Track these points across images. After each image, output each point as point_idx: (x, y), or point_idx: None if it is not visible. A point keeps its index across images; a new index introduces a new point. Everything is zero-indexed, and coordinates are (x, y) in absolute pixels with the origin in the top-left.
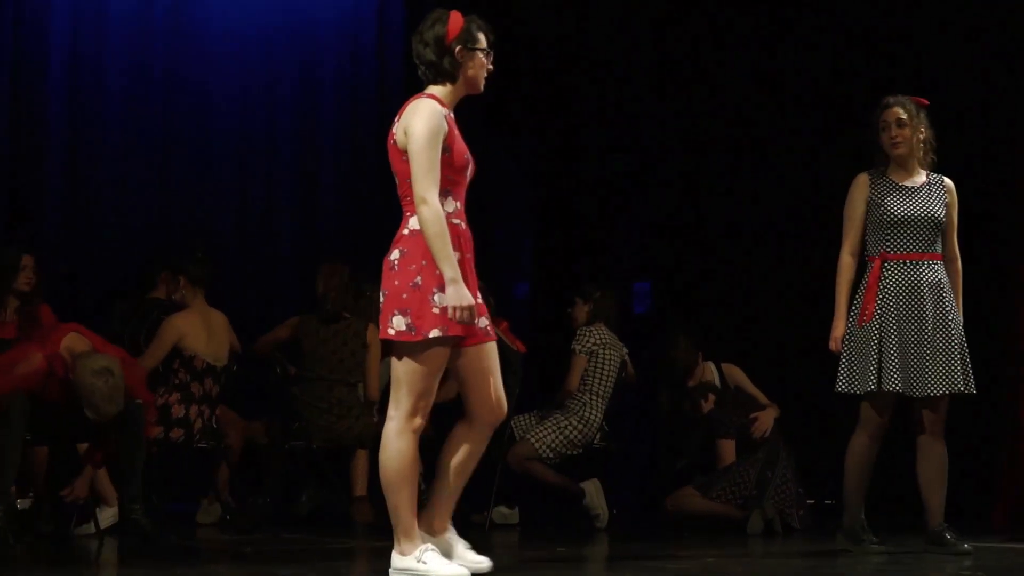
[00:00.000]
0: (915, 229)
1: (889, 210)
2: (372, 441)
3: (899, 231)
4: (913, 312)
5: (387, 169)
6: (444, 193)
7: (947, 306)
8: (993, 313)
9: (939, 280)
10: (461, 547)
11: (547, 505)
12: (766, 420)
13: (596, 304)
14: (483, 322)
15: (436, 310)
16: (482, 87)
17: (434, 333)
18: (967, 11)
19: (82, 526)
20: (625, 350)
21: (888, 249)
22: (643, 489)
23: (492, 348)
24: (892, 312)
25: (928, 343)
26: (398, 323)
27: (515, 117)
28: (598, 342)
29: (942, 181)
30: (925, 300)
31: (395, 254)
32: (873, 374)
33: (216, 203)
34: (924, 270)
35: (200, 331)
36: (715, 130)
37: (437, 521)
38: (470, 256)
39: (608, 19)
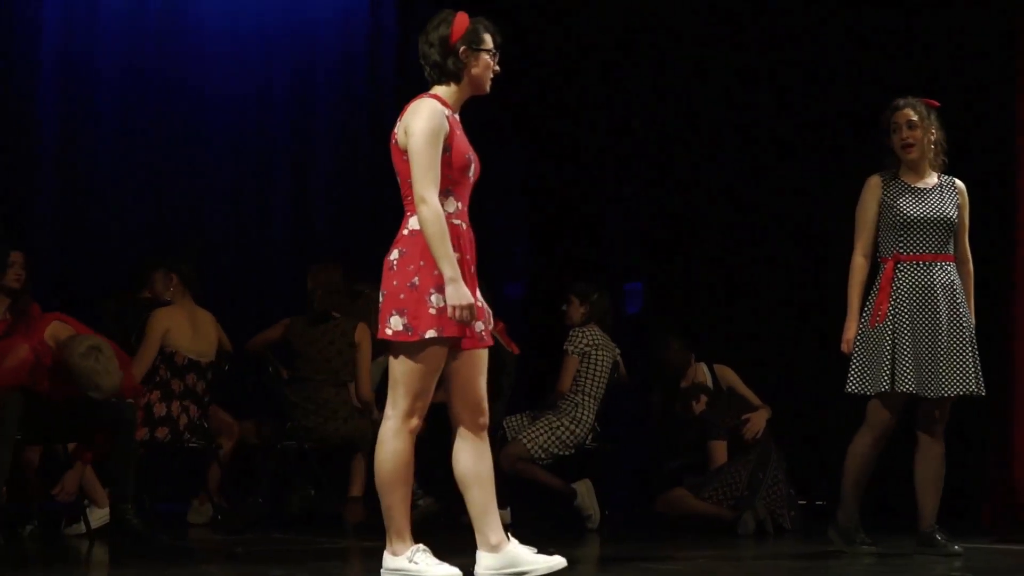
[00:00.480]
0: (928, 231)
1: (902, 212)
2: (366, 442)
3: (912, 233)
4: (926, 313)
5: (381, 169)
6: (445, 193)
7: (960, 308)
8: (981, 313)
9: (952, 281)
10: (528, 553)
11: (539, 506)
12: (758, 421)
13: (592, 305)
14: (479, 326)
15: (433, 311)
16: (488, 88)
17: (430, 334)
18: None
19: (72, 526)
20: (618, 351)
21: (901, 250)
22: (635, 490)
23: (484, 355)
24: (905, 313)
25: (942, 344)
26: (395, 323)
27: (508, 119)
28: (591, 343)
29: (953, 183)
30: (939, 301)
31: (394, 254)
32: (886, 375)
33: (209, 203)
34: (937, 271)
35: (185, 327)
36: (708, 131)
37: (493, 537)
38: (471, 257)
39: (601, 21)
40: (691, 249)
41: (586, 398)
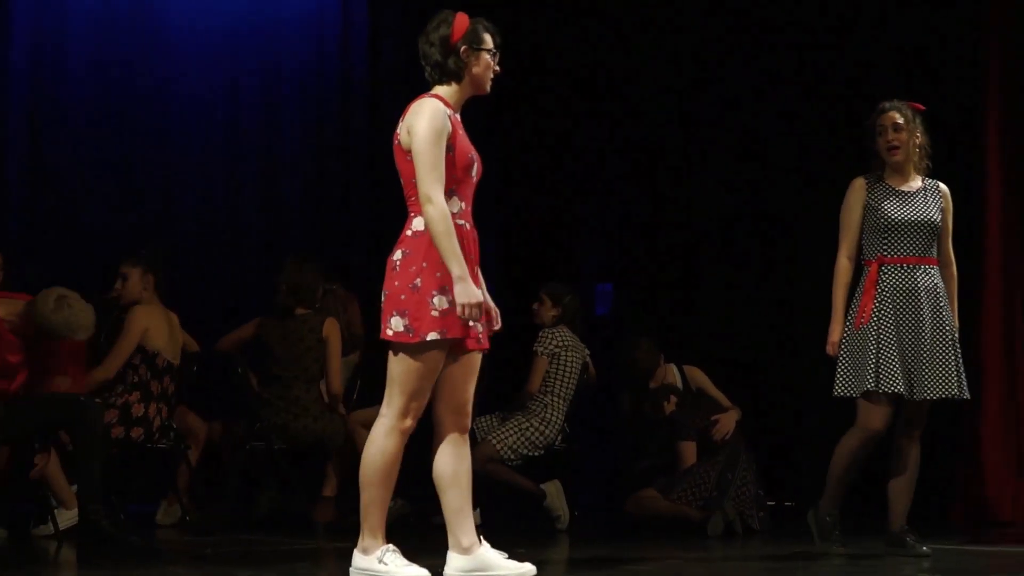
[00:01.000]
0: (912, 234)
1: (886, 214)
2: (336, 442)
3: (896, 235)
4: (910, 316)
5: (351, 167)
6: (449, 193)
7: (942, 311)
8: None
9: (935, 285)
10: (499, 558)
11: (508, 506)
12: (727, 422)
13: (565, 308)
14: (478, 328)
15: (436, 313)
16: (488, 88)
17: (432, 336)
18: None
19: (40, 527)
20: (587, 351)
21: (885, 253)
22: (604, 490)
23: (478, 359)
24: (890, 315)
25: (925, 348)
26: (396, 324)
27: (479, 119)
28: (560, 344)
29: (937, 186)
30: (922, 304)
31: (398, 254)
32: (871, 375)
33: (178, 201)
34: (920, 275)
35: (163, 327)
36: (680, 132)
37: (465, 540)
38: (475, 257)
39: (572, 22)
40: (661, 250)
41: (555, 399)
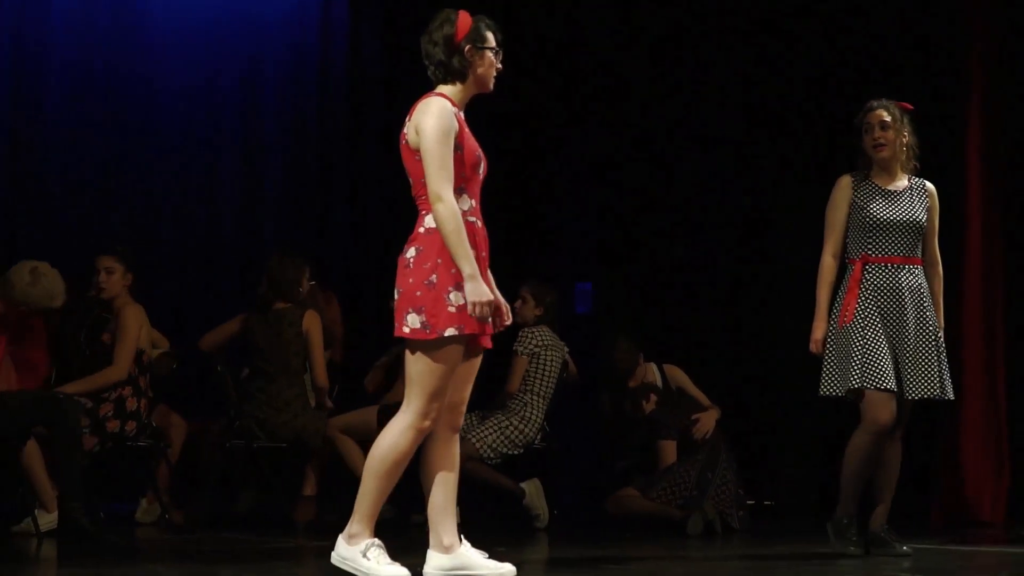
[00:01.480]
0: (897, 233)
1: (872, 213)
2: (317, 440)
3: (881, 234)
4: (894, 316)
5: (331, 163)
6: (458, 191)
7: (926, 311)
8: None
9: (919, 285)
10: (480, 558)
11: (487, 505)
12: (707, 421)
13: (547, 308)
14: (491, 325)
15: (452, 309)
16: (491, 86)
17: (450, 332)
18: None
19: (20, 525)
20: (566, 349)
21: (870, 252)
22: (584, 489)
23: (480, 359)
24: (874, 314)
25: (909, 348)
26: (412, 321)
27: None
28: (540, 344)
29: (924, 185)
30: (906, 304)
31: (411, 252)
32: (856, 373)
33: (158, 197)
34: (905, 274)
35: (147, 325)
36: (658, 132)
37: (446, 538)
38: (485, 255)
39: (554, 24)
40: (641, 250)
41: (535, 398)
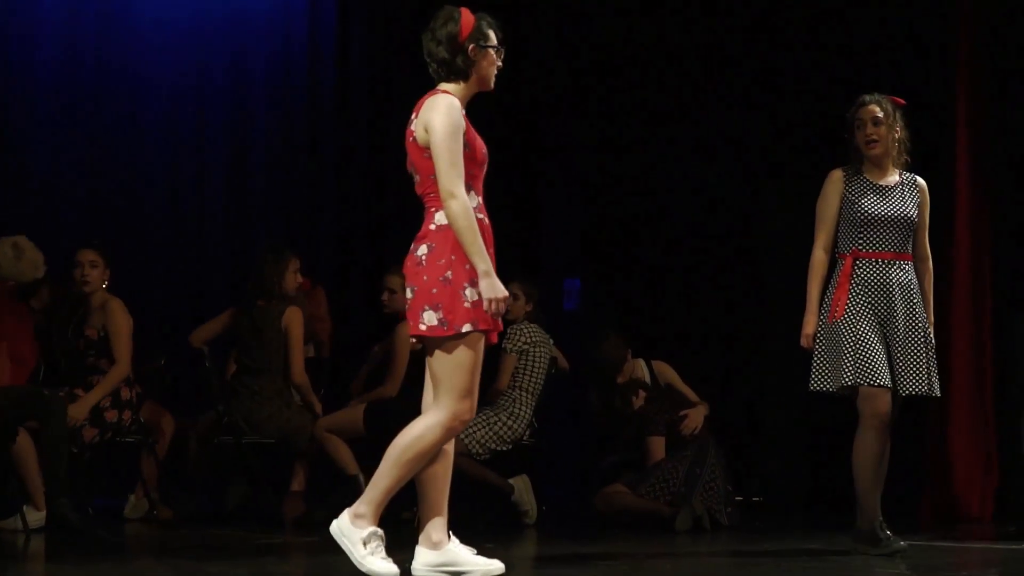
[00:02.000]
0: (888, 229)
1: (863, 209)
2: (302, 438)
3: (872, 230)
4: (883, 311)
5: (319, 160)
6: (466, 188)
7: (915, 308)
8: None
9: (909, 281)
10: (468, 554)
11: (476, 501)
12: (696, 417)
13: (536, 305)
14: (500, 322)
15: (468, 304)
16: (492, 84)
17: (466, 327)
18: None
19: (7, 519)
20: (552, 342)
21: (860, 247)
22: (572, 485)
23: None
24: (865, 309)
25: (898, 344)
26: (429, 318)
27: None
28: (529, 341)
29: (915, 181)
30: (895, 300)
31: (422, 249)
32: (848, 370)
33: (145, 193)
34: (895, 270)
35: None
36: (648, 127)
37: (435, 535)
38: (492, 251)
39: (543, 19)
40: (629, 246)
41: (524, 394)
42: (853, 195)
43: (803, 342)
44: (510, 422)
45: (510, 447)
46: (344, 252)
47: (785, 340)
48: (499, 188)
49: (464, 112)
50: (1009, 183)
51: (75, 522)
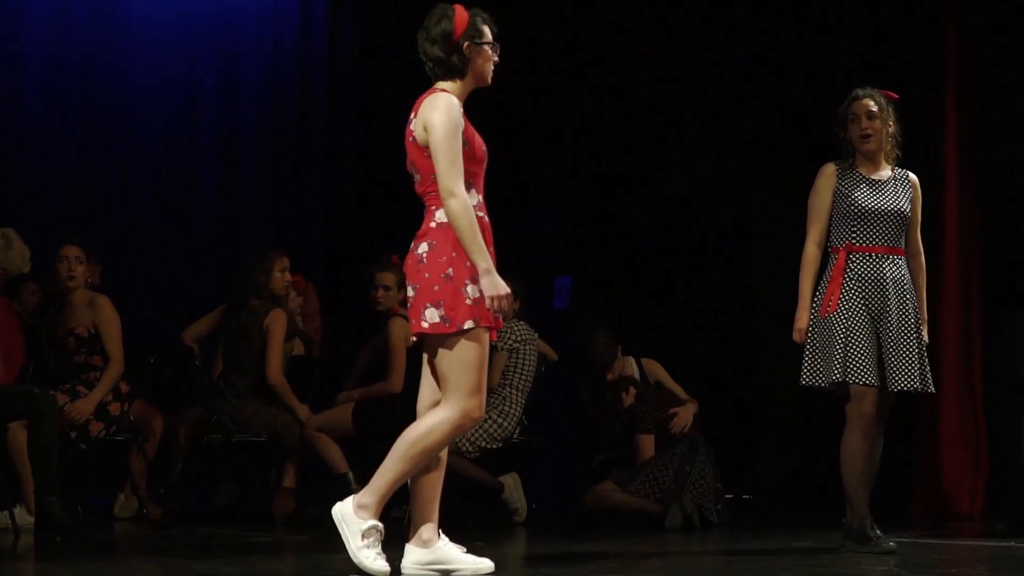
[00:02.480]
0: (881, 223)
1: (856, 202)
2: (291, 436)
3: (865, 224)
4: (876, 306)
5: (308, 155)
6: (466, 186)
7: (907, 303)
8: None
9: (902, 276)
10: (458, 553)
11: (466, 499)
12: (685, 415)
13: (522, 302)
14: (501, 320)
15: (470, 301)
16: (489, 80)
17: (468, 324)
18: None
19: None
20: (537, 336)
21: (853, 241)
22: (562, 483)
23: None
24: (858, 304)
25: (891, 339)
26: (431, 315)
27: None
28: (518, 338)
29: (907, 176)
30: (888, 295)
31: (423, 247)
32: (838, 366)
33: (135, 191)
34: (888, 265)
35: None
36: (637, 125)
37: (425, 533)
38: (492, 250)
39: (530, 15)
40: (620, 244)
41: (513, 391)
42: (846, 188)
43: (795, 336)
44: (500, 420)
45: (500, 445)
46: (333, 251)
47: (776, 337)
48: (488, 185)
49: (463, 110)
50: (997, 181)
51: (64, 521)
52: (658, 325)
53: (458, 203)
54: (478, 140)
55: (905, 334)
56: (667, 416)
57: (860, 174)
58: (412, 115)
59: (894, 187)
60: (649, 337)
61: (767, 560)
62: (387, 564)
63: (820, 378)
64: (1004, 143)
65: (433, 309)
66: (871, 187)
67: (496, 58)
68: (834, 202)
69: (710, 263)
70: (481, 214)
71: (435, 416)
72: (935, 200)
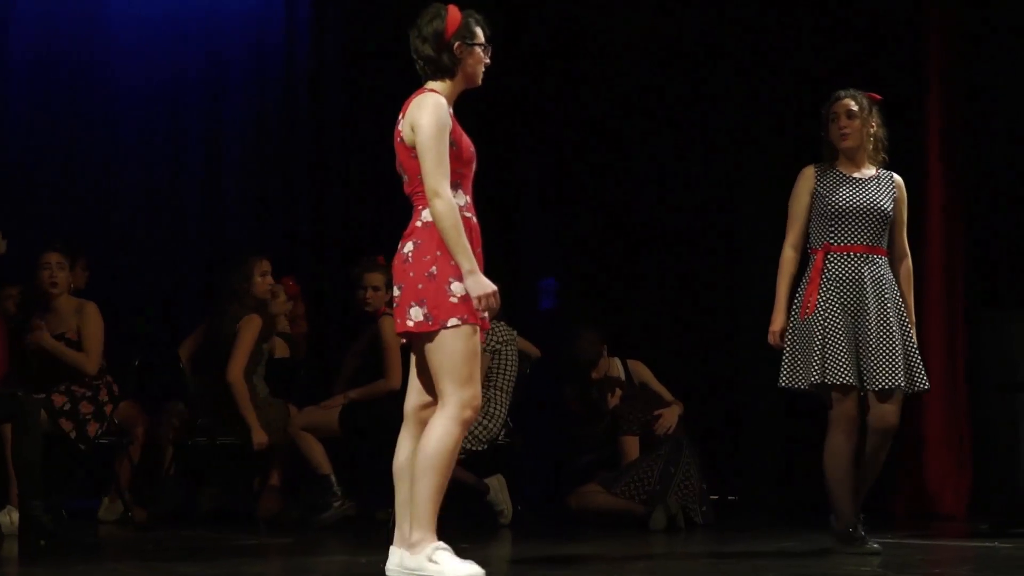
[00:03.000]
0: (860, 221)
1: (834, 200)
2: (275, 435)
3: (844, 222)
4: (855, 306)
5: (293, 156)
6: (454, 187)
7: (887, 303)
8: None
9: (881, 276)
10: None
11: (451, 501)
12: (670, 417)
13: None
14: (487, 319)
15: (455, 299)
16: (480, 81)
17: (452, 322)
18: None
19: None
20: (516, 334)
21: (832, 241)
22: (547, 485)
23: None
24: (836, 305)
25: (872, 339)
26: (415, 314)
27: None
28: (500, 340)
29: (891, 176)
30: (867, 295)
31: (408, 247)
32: (816, 367)
33: (120, 194)
34: (867, 265)
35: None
36: (625, 126)
37: (413, 535)
38: (480, 251)
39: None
40: (605, 246)
41: (498, 393)
42: (825, 188)
43: (770, 339)
44: (485, 422)
45: (485, 447)
46: (319, 252)
47: (761, 339)
48: (475, 187)
49: (451, 110)
50: (981, 182)
51: (48, 524)
52: (644, 327)
53: (443, 204)
54: (466, 141)
55: (885, 333)
56: (652, 418)
57: (840, 172)
58: (400, 115)
59: (876, 185)
60: (635, 339)
61: (752, 561)
62: (476, 566)
63: (799, 380)
64: (987, 144)
65: (417, 308)
66: (851, 185)
67: (488, 60)
68: (813, 203)
69: (697, 265)
70: (469, 215)
71: (437, 421)
72: (919, 201)
